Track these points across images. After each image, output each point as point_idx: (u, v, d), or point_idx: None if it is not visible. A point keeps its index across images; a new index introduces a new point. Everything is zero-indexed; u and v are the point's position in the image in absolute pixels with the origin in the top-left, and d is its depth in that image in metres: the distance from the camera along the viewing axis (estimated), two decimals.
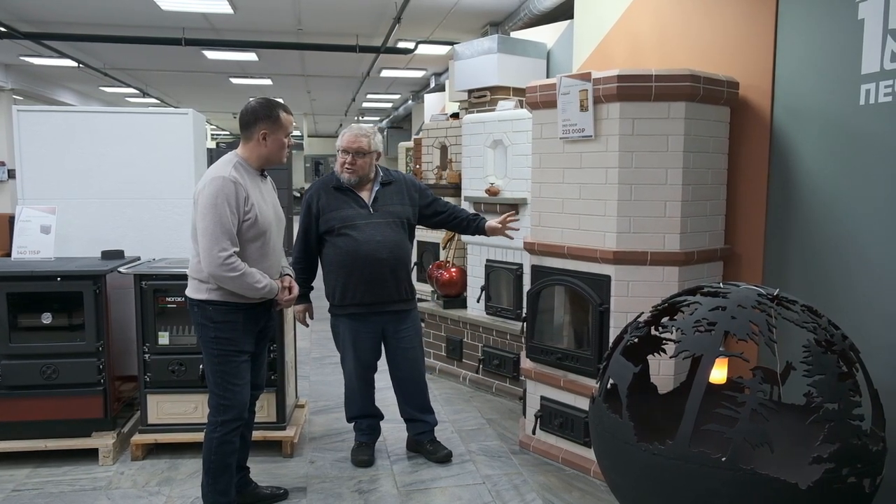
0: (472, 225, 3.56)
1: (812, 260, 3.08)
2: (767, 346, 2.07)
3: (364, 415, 3.62)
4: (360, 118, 18.65)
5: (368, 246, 3.27)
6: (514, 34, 5.81)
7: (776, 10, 3.21)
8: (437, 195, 3.68)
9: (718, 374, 2.48)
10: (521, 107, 4.64)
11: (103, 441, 3.57)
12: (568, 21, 5.23)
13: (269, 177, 2.99)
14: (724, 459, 1.96)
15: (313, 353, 5.95)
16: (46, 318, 3.60)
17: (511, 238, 3.55)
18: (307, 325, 3.54)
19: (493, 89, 5.17)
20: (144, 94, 12.86)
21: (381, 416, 3.71)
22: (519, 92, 5.21)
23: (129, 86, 11.86)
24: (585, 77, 3.26)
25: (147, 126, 4.26)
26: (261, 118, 2.76)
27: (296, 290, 3.02)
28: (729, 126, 3.42)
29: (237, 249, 2.67)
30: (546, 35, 5.53)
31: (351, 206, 3.32)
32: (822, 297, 2.96)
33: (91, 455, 3.57)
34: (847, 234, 2.90)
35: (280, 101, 2.87)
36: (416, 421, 3.67)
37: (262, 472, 3.46)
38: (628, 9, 4.03)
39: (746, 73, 3.36)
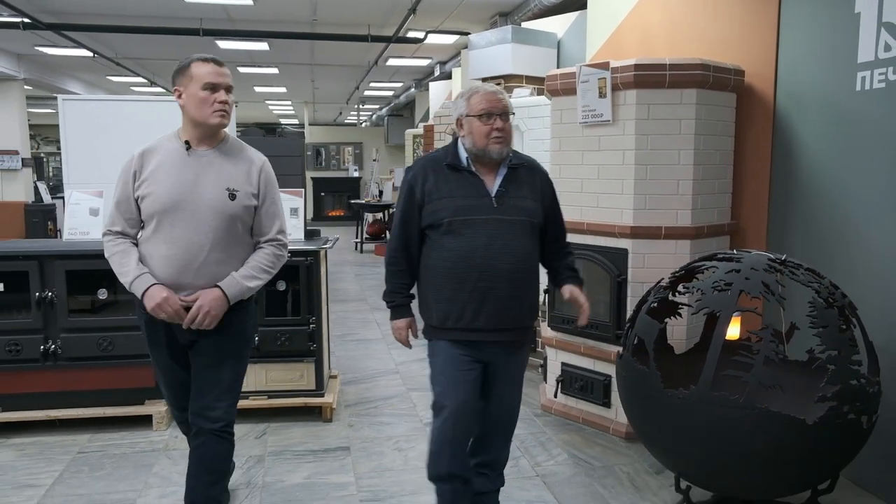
0: (552, 272, 2.68)
1: (811, 234, 3.38)
2: (778, 302, 2.36)
3: (454, 474, 2.53)
4: (361, 105, 18.85)
5: (487, 252, 2.38)
6: (524, 24, 6.07)
7: (779, 2, 3.49)
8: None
9: (732, 330, 2.78)
10: (537, 94, 4.92)
11: (156, 408, 3.85)
12: (577, 12, 5.50)
13: (224, 152, 2.46)
14: (741, 400, 2.26)
15: (334, 332, 6.24)
16: (102, 294, 3.87)
17: (579, 324, 2.57)
18: (410, 346, 2.67)
19: (507, 77, 5.44)
20: (152, 84, 13.05)
21: (469, 481, 2.61)
22: (531, 80, 5.49)
23: (137, 75, 12.05)
24: (604, 66, 3.53)
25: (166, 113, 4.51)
26: (174, 77, 2.41)
27: (204, 316, 2.36)
28: (735, 111, 3.71)
29: (120, 229, 2.42)
30: (556, 25, 5.80)
31: (468, 193, 2.42)
32: (821, 268, 3.25)
33: (144, 421, 3.85)
34: (844, 209, 3.19)
35: (207, 54, 2.44)
36: (481, 475, 2.67)
37: (306, 434, 3.76)
38: (639, 1, 4.30)
39: (751, 62, 3.65)
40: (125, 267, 2.37)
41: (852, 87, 3.09)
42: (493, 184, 2.45)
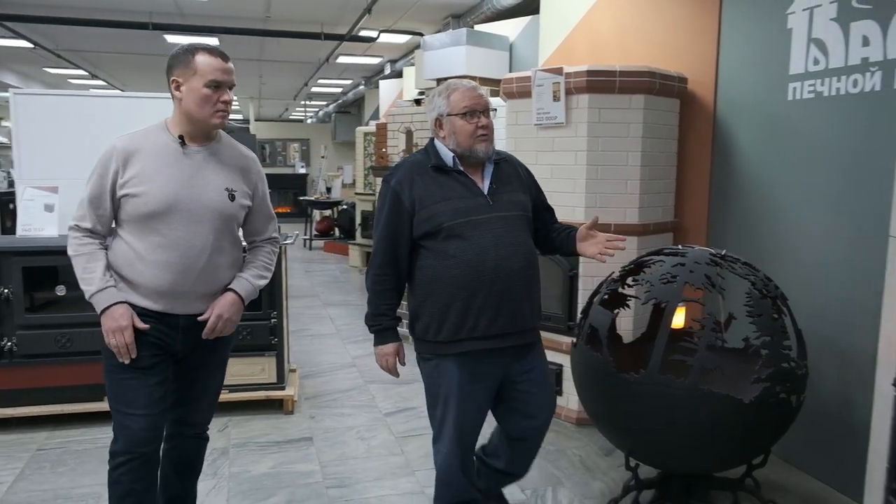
0: (559, 238, 2.57)
1: (747, 231, 3.64)
2: (719, 293, 2.58)
3: (463, 500, 2.50)
4: (308, 102, 18.73)
5: (497, 251, 2.27)
6: (477, 27, 6.24)
7: (719, 17, 3.75)
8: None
9: (677, 319, 3.00)
10: (490, 96, 5.08)
11: None
12: (530, 17, 5.70)
13: (219, 150, 2.28)
14: (686, 382, 2.47)
15: (291, 327, 6.28)
16: (60, 291, 3.85)
17: (604, 261, 2.49)
18: (398, 375, 2.47)
19: (461, 79, 5.59)
20: (93, 76, 12.70)
21: (479, 501, 2.59)
22: (485, 82, 5.66)
23: (78, 67, 11.72)
24: (558, 71, 3.72)
25: (141, 110, 4.48)
26: (172, 65, 2.16)
27: (224, 324, 2.26)
28: (679, 116, 3.96)
29: (90, 227, 2.17)
30: (508, 29, 5.98)
31: (462, 194, 2.31)
32: (755, 261, 3.52)
33: (104, 417, 3.83)
34: (776, 208, 3.46)
35: (210, 43, 2.24)
36: (503, 474, 2.65)
37: (268, 426, 3.84)
38: (590, 10, 4.51)
39: (694, 70, 3.90)
40: (90, 273, 2.14)
41: (784, 96, 3.36)
42: (484, 182, 2.36)
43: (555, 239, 2.54)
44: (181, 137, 2.20)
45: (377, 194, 2.43)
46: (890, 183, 1.87)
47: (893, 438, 1.75)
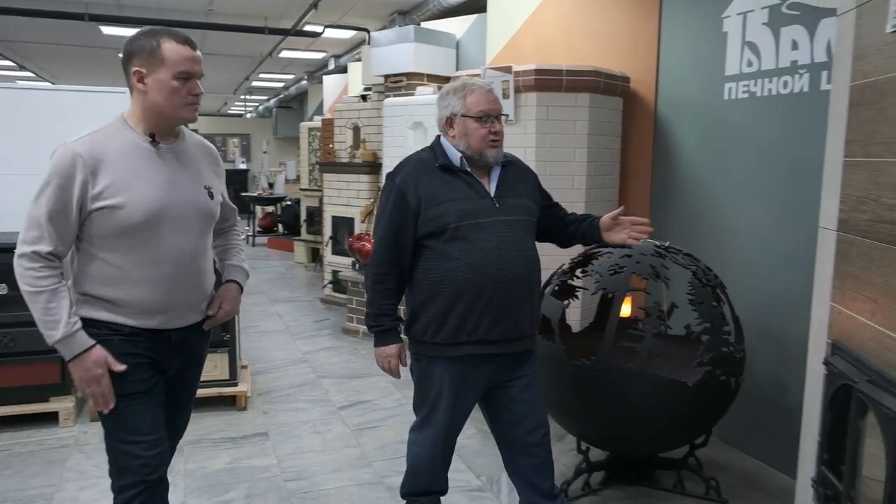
0: (581, 229, 2.55)
1: (687, 224, 3.83)
2: (664, 283, 2.73)
3: (431, 491, 2.50)
4: (248, 96, 18.41)
5: (502, 255, 2.22)
6: (424, 24, 6.30)
7: (659, 20, 3.92)
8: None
9: (624, 309, 3.14)
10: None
11: (63, 404, 3.78)
12: (476, 15, 5.80)
13: (186, 146, 2.07)
14: (635, 367, 2.61)
15: (240, 323, 6.23)
16: (2, 289, 3.74)
17: (636, 245, 2.56)
18: (399, 376, 2.40)
19: (409, 75, 5.66)
20: (21, 68, 12.17)
21: (446, 492, 2.54)
22: (432, 78, 5.74)
23: (5, 58, 11.22)
24: (507, 70, 3.83)
25: (82, 104, 4.39)
26: (133, 53, 1.90)
27: (227, 314, 2.17)
28: (622, 114, 4.12)
29: (50, 250, 1.84)
30: (455, 27, 6.06)
31: (469, 195, 2.25)
32: (695, 252, 3.70)
33: (49, 419, 3.77)
34: (713, 202, 3.66)
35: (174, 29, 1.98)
36: None
37: (222, 423, 3.83)
38: (537, 9, 4.64)
39: (636, 70, 4.07)
40: (52, 315, 1.82)
41: (721, 96, 3.55)
42: (490, 184, 2.30)
43: (575, 231, 2.53)
44: (152, 136, 1.96)
45: (381, 193, 2.32)
46: (819, 177, 2.03)
47: (824, 413, 1.90)
